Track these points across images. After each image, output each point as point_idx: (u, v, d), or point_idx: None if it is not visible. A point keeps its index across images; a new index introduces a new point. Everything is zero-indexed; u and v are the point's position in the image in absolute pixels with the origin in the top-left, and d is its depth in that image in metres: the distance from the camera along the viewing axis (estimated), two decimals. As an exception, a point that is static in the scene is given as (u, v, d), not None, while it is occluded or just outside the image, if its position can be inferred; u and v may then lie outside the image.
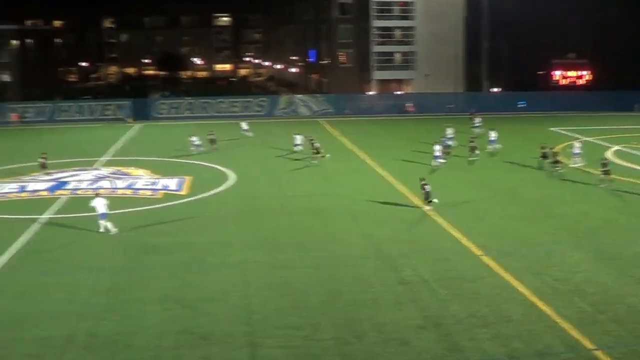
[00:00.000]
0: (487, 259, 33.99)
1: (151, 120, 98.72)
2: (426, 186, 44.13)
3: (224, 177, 55.65)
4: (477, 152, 60.05)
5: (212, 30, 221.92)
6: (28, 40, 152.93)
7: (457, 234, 38.27)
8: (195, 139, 67.55)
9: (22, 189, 53.28)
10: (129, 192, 51.42)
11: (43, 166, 58.66)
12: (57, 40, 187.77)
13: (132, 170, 59.35)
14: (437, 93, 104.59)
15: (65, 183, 54.71)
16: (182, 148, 67.88)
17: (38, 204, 48.27)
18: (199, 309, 28.10)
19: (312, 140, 63.06)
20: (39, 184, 54.53)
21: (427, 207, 43.82)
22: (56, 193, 51.31)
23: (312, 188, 51.00)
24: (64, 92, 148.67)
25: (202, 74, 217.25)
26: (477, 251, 35.23)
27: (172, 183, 53.83)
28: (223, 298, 29.28)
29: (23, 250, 37.46)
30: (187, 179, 54.85)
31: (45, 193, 51.65)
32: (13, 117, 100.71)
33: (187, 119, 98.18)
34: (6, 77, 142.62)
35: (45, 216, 44.28)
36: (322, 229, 40.03)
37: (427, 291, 29.53)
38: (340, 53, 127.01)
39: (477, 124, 75.89)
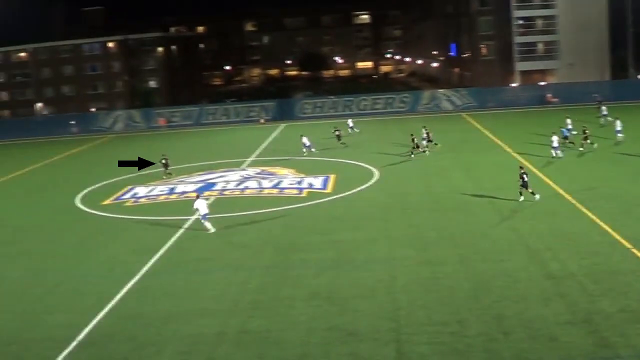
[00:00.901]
0: (638, 252, 32.93)
1: (295, 120, 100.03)
2: (525, 176, 43.56)
3: (368, 174, 55.87)
4: (589, 141, 58.90)
5: (352, 29, 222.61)
6: (173, 47, 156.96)
7: (606, 227, 37.13)
8: (306, 140, 67.96)
9: (172, 191, 54.93)
10: (275, 191, 52.27)
11: (166, 166, 61.20)
12: (201, 46, 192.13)
13: (278, 170, 60.29)
14: (582, 82, 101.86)
15: (212, 184, 56.06)
16: (326, 146, 68.39)
17: (187, 205, 49.57)
18: (346, 306, 28.34)
19: (412, 135, 63.23)
20: (187, 186, 56.06)
21: (521, 199, 43.44)
22: (204, 194, 52.58)
23: (458, 183, 50.59)
24: (209, 95, 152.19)
25: (343, 72, 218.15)
26: (627, 244, 34.16)
27: (317, 181, 54.43)
28: (370, 294, 29.44)
29: (173, 251, 38.73)
30: (332, 177, 55.35)
31: (194, 195, 52.94)
32: (160, 121, 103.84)
33: (330, 118, 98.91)
34: (153, 83, 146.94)
35: (195, 217, 45.47)
36: (468, 223, 39.68)
37: (576, 286, 28.85)
38: (481, 45, 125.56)
39: (603, 113, 73.50)
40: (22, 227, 47.69)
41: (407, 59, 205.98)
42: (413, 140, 61.97)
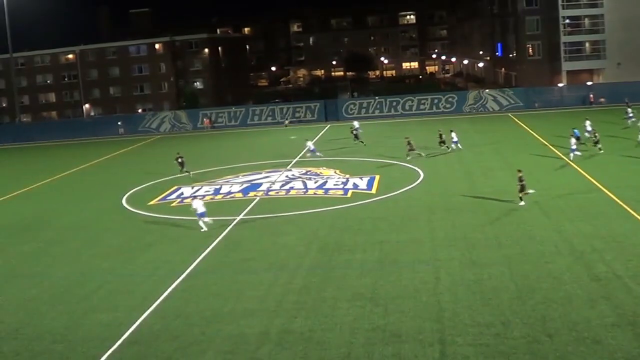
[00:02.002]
0: (687, 254, 32.60)
1: (342, 120, 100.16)
2: (522, 178, 43.91)
3: (413, 175, 55.75)
4: (599, 146, 58.78)
5: (398, 29, 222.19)
6: (219, 48, 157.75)
7: (655, 229, 36.91)
8: (310, 144, 67.62)
9: (217, 192, 55.24)
10: (320, 192, 52.33)
11: (181, 165, 62.23)
12: (247, 47, 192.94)
13: (323, 171, 60.35)
14: (630, 82, 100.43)
15: (258, 185, 56.29)
16: (371, 147, 68.31)
17: (232, 205, 49.93)
18: (390, 307, 28.29)
19: (407, 138, 65.12)
20: (233, 186, 56.37)
21: (521, 203, 43.64)
22: (249, 195, 52.85)
23: (503, 184, 50.15)
24: (255, 96, 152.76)
25: (389, 72, 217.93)
26: (676, 246, 33.82)
27: (362, 182, 54.42)
28: (414, 295, 29.36)
29: (218, 251, 38.94)
30: (377, 178, 55.32)
31: (239, 195, 53.32)
32: (205, 122, 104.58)
33: (376, 118, 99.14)
34: (199, 85, 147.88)
35: (240, 217, 45.70)
36: (514, 225, 39.40)
37: (622, 288, 28.51)
38: (528, 45, 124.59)
39: (630, 115, 72.57)
40: (69, 226, 48.24)
41: (453, 59, 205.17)
42: (409, 142, 63.92)
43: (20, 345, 27.78)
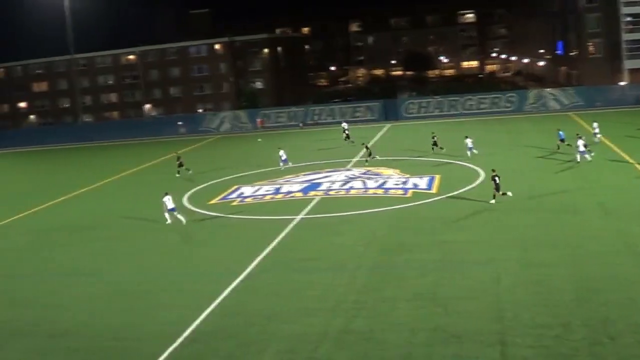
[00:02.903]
0: None
1: (401, 120, 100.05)
2: (496, 178, 44.53)
3: (473, 175, 55.45)
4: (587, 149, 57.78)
5: (457, 28, 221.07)
6: (278, 48, 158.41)
7: None
8: (282, 153, 66.85)
9: (277, 191, 55.47)
10: (380, 191, 52.28)
11: (180, 165, 66.04)
12: (306, 47, 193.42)
13: (383, 170, 60.28)
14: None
15: (318, 184, 56.41)
16: (431, 147, 68.09)
17: (292, 205, 50.10)
18: (450, 307, 28.19)
19: (364, 144, 67.41)
20: (293, 186, 56.57)
21: (492, 201, 44.77)
22: (309, 194, 52.99)
23: (563, 184, 49.70)
24: (315, 96, 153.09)
25: (448, 72, 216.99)
26: None
27: (422, 182, 54.25)
28: (474, 296, 29.21)
29: (278, 250, 39.14)
30: (437, 178, 55.12)
31: (299, 194, 53.48)
32: (258, 122, 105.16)
33: (436, 118, 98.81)
34: (259, 84, 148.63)
35: (300, 216, 45.87)
36: (575, 225, 38.95)
37: (687, 290, 28.18)
38: (589, 43, 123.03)
39: None
40: (131, 225, 48.87)
41: (513, 58, 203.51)
42: (367, 147, 66.17)
43: (81, 342, 28.28)
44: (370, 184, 55.20)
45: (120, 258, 40.79)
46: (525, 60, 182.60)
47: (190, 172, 66.66)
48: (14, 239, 48.91)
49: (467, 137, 64.53)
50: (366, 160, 64.07)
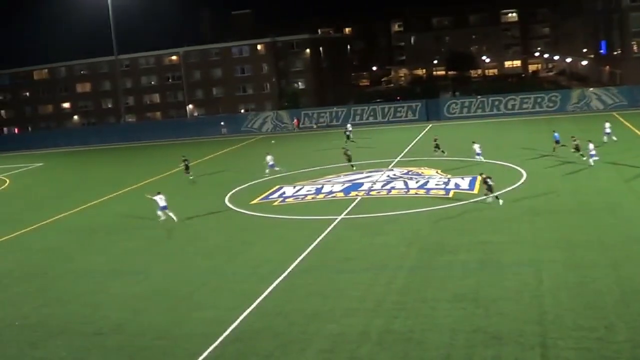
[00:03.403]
0: None
1: (443, 120, 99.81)
2: (488, 180, 45.11)
3: (516, 175, 55.05)
4: (580, 152, 57.62)
5: (500, 27, 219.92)
6: (320, 48, 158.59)
7: None
8: (269, 159, 66.54)
9: (319, 191, 55.53)
10: (421, 192, 52.11)
11: (187, 168, 66.46)
12: (348, 47, 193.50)
13: (425, 170, 60.11)
14: None
15: (359, 184, 56.39)
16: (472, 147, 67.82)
17: (334, 205, 50.11)
18: (491, 308, 28.00)
19: (345, 148, 68.23)
20: (334, 186, 56.58)
21: (488, 200, 45.64)
22: (351, 194, 52.97)
23: (609, 184, 49.16)
24: (357, 96, 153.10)
25: (491, 71, 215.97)
26: None
27: (463, 182, 54.01)
28: (516, 297, 28.97)
29: (319, 250, 39.15)
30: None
31: (340, 194, 53.48)
32: (295, 122, 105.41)
33: (478, 118, 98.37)
34: (301, 85, 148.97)
35: (341, 217, 45.86)
36: (620, 226, 38.51)
37: None
38: (632, 42, 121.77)
39: None
40: (173, 224, 49.06)
41: (556, 57, 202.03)
42: (346, 153, 66.28)
43: (123, 341, 28.49)
44: (412, 184, 55.05)
45: (162, 257, 41.03)
46: (568, 60, 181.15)
47: (192, 177, 67.18)
48: (59, 237, 49.48)
49: (474, 142, 63.92)
50: (352, 166, 64.28)
